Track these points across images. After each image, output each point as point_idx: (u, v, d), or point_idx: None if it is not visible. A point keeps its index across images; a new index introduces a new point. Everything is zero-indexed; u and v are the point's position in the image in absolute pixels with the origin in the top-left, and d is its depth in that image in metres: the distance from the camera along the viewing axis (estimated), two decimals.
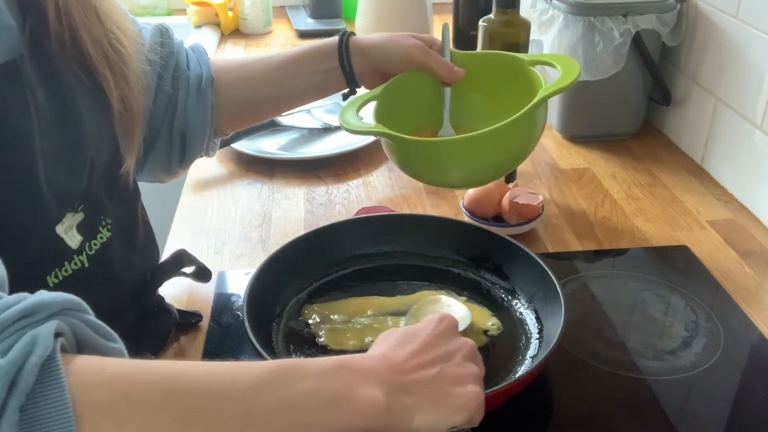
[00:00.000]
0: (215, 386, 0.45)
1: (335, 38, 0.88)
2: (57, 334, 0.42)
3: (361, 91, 0.89)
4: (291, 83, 0.90)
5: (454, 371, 0.54)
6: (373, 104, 0.85)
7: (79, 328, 0.45)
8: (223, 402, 0.45)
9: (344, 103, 0.86)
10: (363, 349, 0.73)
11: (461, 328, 0.72)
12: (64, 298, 0.44)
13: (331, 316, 0.77)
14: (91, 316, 0.46)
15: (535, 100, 0.76)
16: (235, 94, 0.89)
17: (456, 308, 0.76)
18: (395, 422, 0.50)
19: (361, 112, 0.84)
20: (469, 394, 0.53)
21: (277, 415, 0.46)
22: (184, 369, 0.46)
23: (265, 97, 0.91)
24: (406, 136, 0.78)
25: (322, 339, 0.74)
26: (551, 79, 0.81)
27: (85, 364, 0.43)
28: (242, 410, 0.45)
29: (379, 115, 0.82)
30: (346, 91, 0.90)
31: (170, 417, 0.43)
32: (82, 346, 0.45)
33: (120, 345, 0.48)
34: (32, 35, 0.58)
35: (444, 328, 0.57)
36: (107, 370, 0.43)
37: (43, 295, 0.44)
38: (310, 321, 0.77)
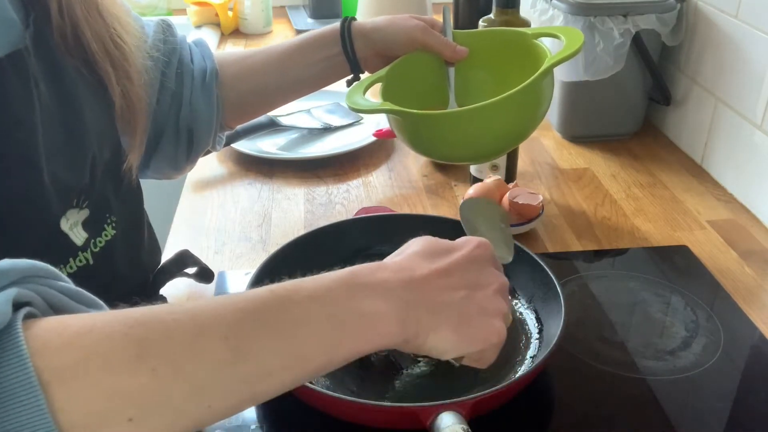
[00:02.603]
0: (194, 328, 0.41)
1: (337, 24, 0.88)
2: (24, 303, 0.39)
3: (365, 76, 0.89)
4: (295, 72, 0.89)
5: (481, 301, 0.49)
6: (378, 87, 0.84)
7: (50, 295, 0.41)
8: (204, 343, 0.40)
9: (349, 89, 0.85)
10: None
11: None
12: (26, 264, 0.41)
13: None
14: (66, 283, 0.43)
15: (542, 68, 0.76)
16: (240, 86, 0.89)
17: None
18: (410, 339, 0.46)
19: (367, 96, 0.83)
20: (490, 328, 0.49)
21: (271, 349, 0.42)
22: (157, 313, 0.41)
23: (269, 87, 0.90)
24: (415, 111, 0.77)
25: None
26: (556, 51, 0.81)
27: (47, 326, 0.39)
28: (228, 348, 0.40)
29: (386, 96, 0.82)
30: (350, 77, 0.90)
31: (148, 369, 0.39)
32: (58, 314, 0.42)
33: (103, 308, 0.44)
34: (36, 29, 0.58)
35: (479, 254, 0.52)
36: (71, 327, 0.39)
37: (1, 262, 0.40)
38: None
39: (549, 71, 0.77)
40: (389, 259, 0.50)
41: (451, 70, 0.87)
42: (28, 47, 0.56)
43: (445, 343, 0.48)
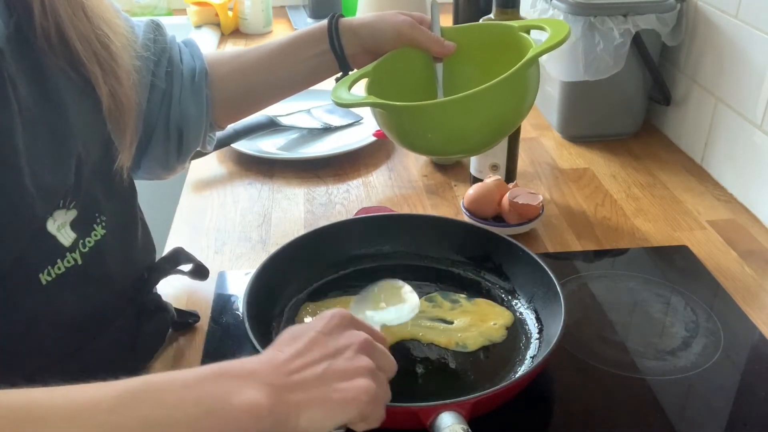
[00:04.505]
0: (71, 412, 0.43)
1: (325, 21, 0.88)
2: None
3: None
4: (285, 70, 0.89)
5: (342, 366, 0.51)
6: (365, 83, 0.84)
7: None
8: (81, 428, 0.42)
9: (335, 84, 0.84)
10: None
11: (407, 318, 0.72)
12: None
13: None
14: None
15: (527, 57, 0.75)
16: (230, 85, 0.89)
17: (411, 296, 0.75)
18: (281, 424, 0.48)
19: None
20: (357, 389, 0.50)
21: None
22: (37, 397, 0.43)
23: (259, 86, 0.90)
24: (398, 103, 0.76)
25: None
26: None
27: None
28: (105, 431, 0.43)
29: (371, 92, 0.81)
30: (339, 75, 0.89)
31: None
32: None
33: None
34: (17, 30, 0.58)
35: (335, 324, 0.54)
36: None
37: None
38: (306, 320, 0.77)
39: (534, 61, 0.76)
40: (254, 355, 0.53)
41: (439, 66, 0.87)
42: (2, 49, 0.56)
43: (318, 416, 0.49)
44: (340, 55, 0.87)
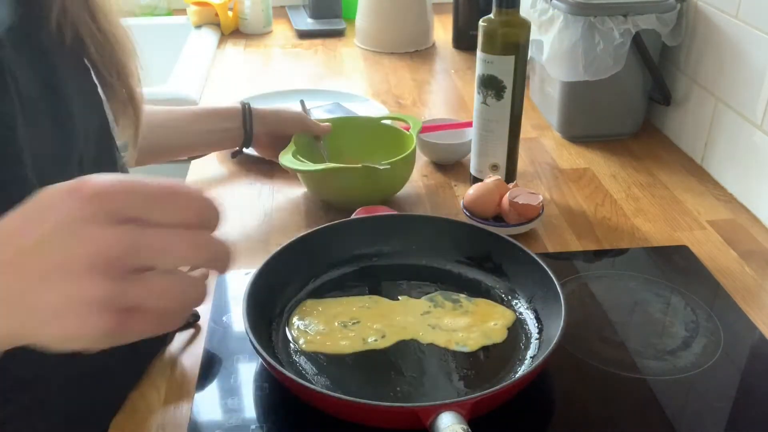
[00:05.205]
0: None
1: (238, 105, 1.06)
2: None
3: (248, 151, 1.10)
4: (192, 137, 1.05)
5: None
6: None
7: None
8: None
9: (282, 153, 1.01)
10: (362, 350, 0.73)
11: None
12: None
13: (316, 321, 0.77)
14: None
15: (400, 157, 1.00)
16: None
17: None
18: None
19: None
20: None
21: None
22: None
23: (164, 144, 1.02)
24: (299, 167, 0.98)
25: (305, 343, 0.74)
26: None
27: None
28: None
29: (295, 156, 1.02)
30: (236, 149, 1.08)
31: None
32: None
33: None
34: (22, 23, 0.58)
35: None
36: None
37: None
38: (298, 320, 0.77)
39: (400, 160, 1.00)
40: None
41: (322, 142, 1.09)
42: (1, 39, 0.56)
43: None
44: (249, 133, 1.06)
